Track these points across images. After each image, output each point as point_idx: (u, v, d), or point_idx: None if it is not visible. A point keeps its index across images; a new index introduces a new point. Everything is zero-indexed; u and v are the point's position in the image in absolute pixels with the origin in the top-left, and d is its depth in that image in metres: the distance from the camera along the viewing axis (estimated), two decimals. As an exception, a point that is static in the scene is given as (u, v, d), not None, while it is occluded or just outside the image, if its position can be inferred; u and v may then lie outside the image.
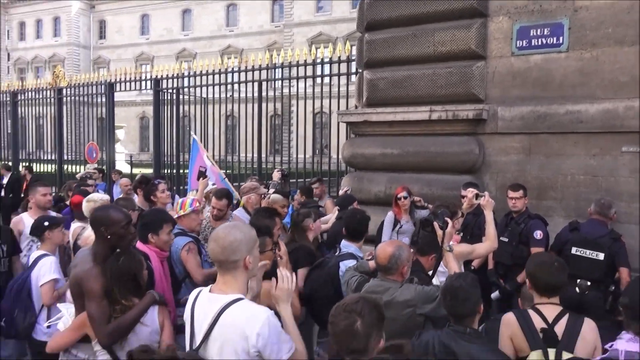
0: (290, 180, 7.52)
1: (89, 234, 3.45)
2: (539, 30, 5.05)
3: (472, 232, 4.53)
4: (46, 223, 3.80)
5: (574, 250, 4.03)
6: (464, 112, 5.20)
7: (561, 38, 4.94)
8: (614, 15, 4.69)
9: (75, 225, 4.32)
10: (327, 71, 7.88)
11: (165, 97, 9.77)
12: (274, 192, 4.87)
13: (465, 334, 2.31)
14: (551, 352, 2.41)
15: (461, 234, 4.25)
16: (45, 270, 3.60)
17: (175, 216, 3.79)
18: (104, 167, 10.62)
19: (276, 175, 6.39)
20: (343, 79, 7.54)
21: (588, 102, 4.75)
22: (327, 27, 38.62)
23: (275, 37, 41.77)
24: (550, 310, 2.53)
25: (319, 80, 8.04)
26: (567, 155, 4.87)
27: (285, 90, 9.26)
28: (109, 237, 2.65)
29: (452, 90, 5.32)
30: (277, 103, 8.70)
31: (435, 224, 3.05)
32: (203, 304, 2.10)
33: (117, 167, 11.04)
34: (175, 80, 9.61)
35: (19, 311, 3.54)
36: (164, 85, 9.72)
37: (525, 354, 2.46)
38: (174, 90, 9.67)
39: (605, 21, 4.72)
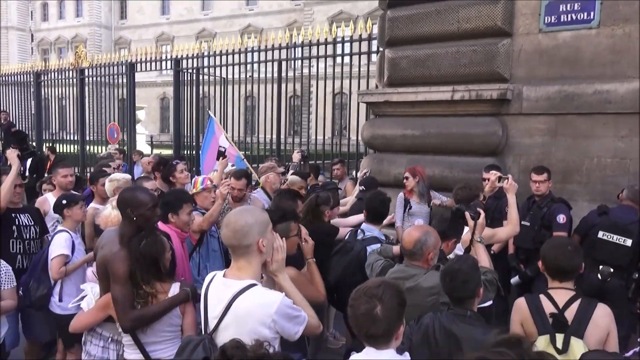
0: (310, 162, 7.47)
1: (108, 214, 3.47)
2: (568, 5, 4.85)
3: (493, 216, 4.42)
4: (64, 201, 3.85)
5: (600, 234, 3.91)
6: (487, 92, 5.05)
7: (592, 13, 4.74)
8: (649, -11, 4.46)
9: (90, 206, 4.39)
10: (347, 50, 7.74)
11: (185, 78, 9.77)
12: (292, 174, 4.83)
13: (466, 317, 2.27)
14: (559, 337, 2.35)
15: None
16: (56, 246, 3.67)
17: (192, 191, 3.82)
18: (125, 148, 10.71)
19: (296, 157, 6.36)
20: (364, 59, 7.39)
21: (618, 82, 4.56)
22: (348, 4, 38.01)
23: (296, 15, 41.33)
24: (562, 295, 2.47)
25: (339, 60, 7.91)
26: (594, 137, 4.71)
27: (305, 71, 9.16)
28: (135, 218, 2.66)
29: (476, 69, 5.17)
30: (296, 84, 8.60)
31: (467, 214, 2.96)
32: (217, 288, 2.09)
33: (137, 148, 11.14)
34: (195, 60, 9.59)
35: (34, 281, 3.68)
36: (184, 65, 9.71)
37: (535, 340, 2.40)
38: (194, 71, 9.65)
39: (640, -5, 4.50)
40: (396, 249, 3.02)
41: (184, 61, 9.67)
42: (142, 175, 6.58)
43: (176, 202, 3.33)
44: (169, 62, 10.05)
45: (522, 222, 4.29)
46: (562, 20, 4.86)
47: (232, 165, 5.67)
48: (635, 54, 4.52)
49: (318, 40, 7.81)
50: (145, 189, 3.04)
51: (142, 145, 15.32)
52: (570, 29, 4.83)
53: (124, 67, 10.70)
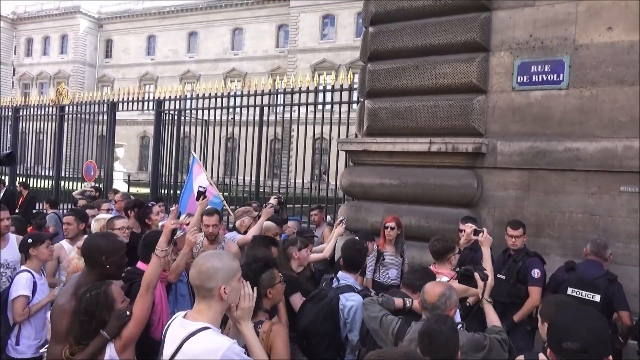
0: (288, 206, 7.47)
1: (72, 257, 3.39)
2: (539, 67, 5.09)
3: (469, 267, 4.46)
4: (30, 240, 3.76)
5: (569, 291, 3.95)
6: (463, 145, 5.20)
7: (561, 75, 4.98)
8: (614, 55, 4.73)
9: (59, 242, 4.30)
10: (328, 99, 7.92)
11: (167, 118, 9.82)
12: (267, 220, 4.81)
13: None
14: None
15: (457, 269, 4.18)
16: (17, 286, 3.56)
17: None
18: (101, 186, 10.57)
19: (272, 202, 6.33)
20: (344, 107, 7.58)
21: (587, 141, 4.75)
22: (331, 54, 39.15)
23: (279, 62, 42.30)
24: None
25: (320, 106, 8.09)
26: (565, 193, 4.85)
27: (287, 115, 9.31)
28: (108, 266, 2.60)
29: (453, 122, 5.34)
30: (277, 127, 8.71)
31: (477, 275, 2.97)
32: (175, 328, 2.10)
33: (114, 186, 11.00)
34: (177, 102, 9.67)
35: None
36: (166, 107, 9.78)
37: None
38: (176, 112, 9.72)
39: (606, 60, 4.77)
40: (398, 301, 2.97)
41: (166, 102, 9.74)
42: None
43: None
44: (151, 103, 10.11)
45: (498, 276, 4.33)
46: (533, 80, 5.10)
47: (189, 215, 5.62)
48: (603, 115, 4.74)
49: (300, 88, 7.99)
50: (115, 235, 2.99)
51: (119, 183, 15.13)
52: (541, 88, 5.06)
53: (105, 105, 10.71)
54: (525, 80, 5.15)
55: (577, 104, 4.88)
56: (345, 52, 37.57)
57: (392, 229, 5.03)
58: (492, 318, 2.82)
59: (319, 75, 8.44)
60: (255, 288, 2.24)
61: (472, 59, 5.29)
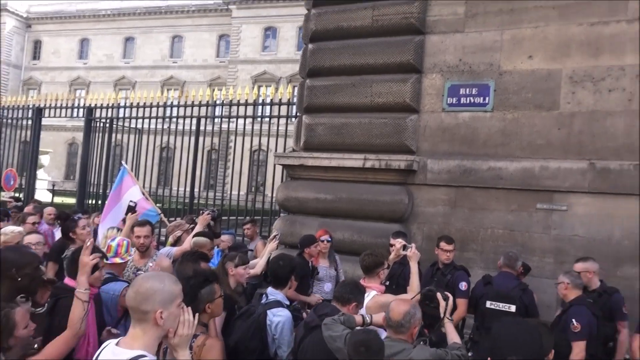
0: (223, 218, 7.35)
1: None
2: (467, 90, 5.38)
3: (398, 282, 4.58)
4: None
5: (488, 304, 4.15)
6: (396, 162, 5.37)
7: (487, 98, 5.29)
8: (534, 82, 5.09)
9: None
10: (267, 112, 7.94)
11: (98, 125, 9.42)
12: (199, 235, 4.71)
13: None
14: None
15: (387, 283, 4.29)
16: None
17: (118, 260, 3.60)
18: (21, 196, 9.93)
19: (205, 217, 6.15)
20: (283, 120, 7.62)
21: (508, 161, 5.06)
22: (272, 66, 39.21)
23: (220, 72, 41.80)
24: None
25: (259, 118, 8.09)
26: (488, 210, 5.13)
27: (225, 126, 9.22)
28: (19, 279, 2.46)
29: (386, 140, 5.51)
30: (215, 138, 8.60)
31: (439, 295, 3.05)
32: (107, 356, 1.96)
33: (37, 196, 10.36)
34: (110, 110, 9.31)
35: None
36: (98, 114, 9.38)
37: None
38: (107, 120, 9.34)
39: (526, 86, 5.12)
40: (358, 318, 2.97)
41: (98, 110, 9.35)
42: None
43: None
44: (81, 110, 9.67)
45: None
46: (462, 102, 5.38)
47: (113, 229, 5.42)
48: (522, 137, 5.07)
49: (238, 100, 7.95)
50: (26, 247, 2.84)
51: (42, 193, 14.26)
52: (468, 110, 5.35)
53: (30, 111, 10.11)
54: (454, 102, 5.42)
55: (500, 126, 5.19)
56: (287, 64, 37.75)
57: (328, 241, 5.09)
58: (453, 335, 2.93)
59: (258, 87, 8.45)
60: (197, 315, 2.13)
61: (406, 79, 5.51)
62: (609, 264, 4.57)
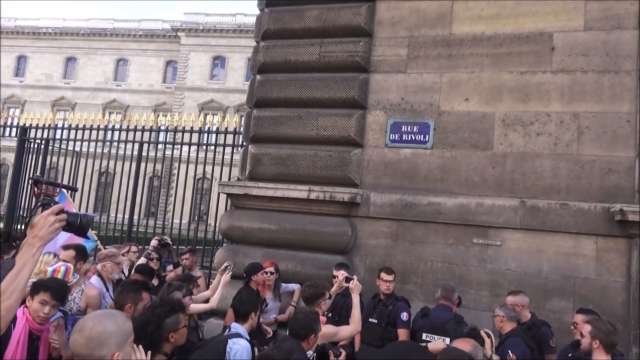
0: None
1: None
2: (409, 127, 5.61)
3: (340, 313, 4.61)
4: None
5: (424, 336, 4.23)
6: (340, 194, 5.46)
7: (427, 136, 5.53)
8: (470, 123, 5.40)
9: None
10: (213, 140, 7.88)
11: (32, 147, 8.97)
12: (138, 265, 4.56)
13: None
14: None
15: (329, 314, 4.31)
16: None
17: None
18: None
19: (153, 243, 5.94)
20: (228, 149, 7.58)
21: (447, 196, 5.29)
22: (220, 95, 39.11)
23: (165, 97, 41.17)
24: None
25: (204, 146, 8.00)
26: (428, 243, 5.30)
27: (168, 152, 9.05)
28: None
29: (331, 172, 5.61)
30: (157, 164, 8.41)
31: (483, 333, 3.14)
32: None
33: (-42, 219, 9.64)
34: (46, 130, 8.91)
35: None
36: (32, 135, 8.95)
37: None
38: (43, 141, 8.93)
39: (463, 126, 5.41)
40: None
41: (33, 130, 8.93)
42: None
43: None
44: (13, 130, 9.20)
45: (370, 320, 4.55)
46: (404, 138, 5.60)
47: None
48: (460, 174, 5.33)
49: (184, 127, 7.86)
50: None
51: (-36, 215, 13.27)
52: (410, 147, 5.57)
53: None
54: (396, 138, 5.63)
55: (439, 162, 5.43)
56: (235, 94, 37.82)
57: (271, 273, 5.06)
58: None
59: (205, 115, 8.39)
60: (149, 353, 2.05)
61: (351, 114, 5.68)
62: (539, 297, 4.82)
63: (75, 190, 2.54)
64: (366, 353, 4.32)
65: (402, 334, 4.51)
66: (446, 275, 5.18)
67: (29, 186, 8.79)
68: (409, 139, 5.59)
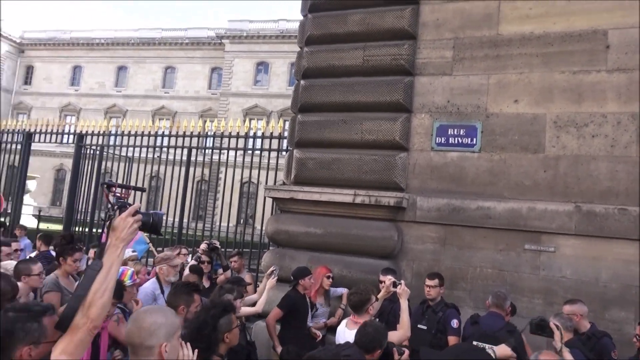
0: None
1: None
2: (455, 130, 5.51)
3: (388, 318, 4.57)
4: None
5: (474, 344, 4.13)
6: (385, 198, 5.43)
7: (474, 139, 5.41)
8: (519, 125, 5.24)
9: None
10: (258, 144, 8.02)
11: (88, 152, 9.41)
12: (191, 266, 4.70)
13: None
14: None
15: (377, 319, 4.28)
16: None
17: None
18: (6, 221, 9.77)
19: (202, 247, 6.10)
20: (273, 153, 7.69)
21: (496, 200, 5.15)
22: (263, 100, 39.69)
23: (211, 103, 42.17)
24: None
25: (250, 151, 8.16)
26: (477, 248, 5.18)
27: (215, 157, 9.27)
28: None
29: (376, 176, 5.58)
30: (205, 169, 8.63)
31: (552, 324, 3.15)
32: None
33: (22, 222, 10.21)
34: (100, 137, 9.33)
35: None
36: (89, 141, 9.39)
37: None
38: (98, 147, 9.35)
39: (512, 129, 5.27)
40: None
41: (89, 137, 9.36)
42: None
43: None
44: (71, 137, 9.67)
45: (419, 326, 4.50)
46: (450, 142, 5.51)
47: (133, 251, 5.40)
48: (510, 178, 5.18)
49: (230, 133, 8.03)
50: (6, 276, 2.81)
51: (27, 218, 14.05)
52: (456, 150, 5.47)
53: (20, 135, 10.09)
54: (443, 142, 5.54)
55: (488, 166, 5.30)
56: (278, 99, 38.28)
57: (332, 278, 5.12)
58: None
59: (249, 120, 8.56)
60: (196, 351, 2.17)
61: (396, 118, 5.63)
62: (596, 307, 4.61)
63: (144, 190, 2.66)
64: (428, 353, 4.26)
65: (453, 340, 4.43)
66: (497, 281, 5.05)
67: (86, 190, 9.22)
68: (456, 142, 5.49)
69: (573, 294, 4.61)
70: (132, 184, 8.87)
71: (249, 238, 8.34)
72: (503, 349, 3.01)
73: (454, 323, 4.48)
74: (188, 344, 2.12)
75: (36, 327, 1.98)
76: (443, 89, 5.60)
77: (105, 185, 2.17)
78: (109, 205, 2.07)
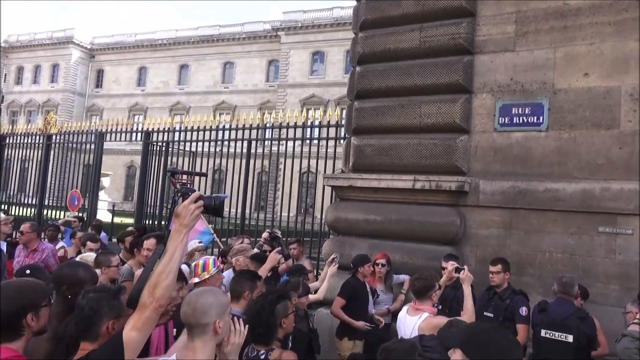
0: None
1: None
2: (520, 109, 5.25)
3: (451, 305, 4.46)
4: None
5: (543, 333, 3.92)
6: (446, 183, 5.28)
7: (541, 118, 5.14)
8: (591, 99, 4.91)
9: None
10: (316, 134, 8.04)
11: (155, 149, 9.85)
12: (253, 254, 4.79)
13: None
14: None
15: (439, 306, 4.19)
16: None
17: (196, 280, 3.75)
18: (84, 215, 10.45)
19: (264, 236, 6.21)
20: (331, 142, 7.69)
21: (566, 181, 4.87)
22: (320, 89, 39.78)
23: (269, 96, 42.83)
24: None
25: (308, 140, 8.22)
26: (545, 232, 4.93)
27: (274, 148, 9.40)
28: (69, 297, 2.52)
29: (436, 161, 5.44)
30: (265, 160, 8.78)
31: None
32: None
33: (98, 216, 10.89)
34: (165, 133, 9.73)
35: None
36: (154, 138, 9.82)
37: None
38: (164, 143, 9.76)
39: (583, 104, 4.94)
40: None
41: (155, 134, 9.79)
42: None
43: None
44: (139, 134, 10.16)
45: (485, 313, 4.35)
46: (514, 122, 5.25)
47: (200, 242, 5.59)
48: (581, 157, 4.88)
49: (288, 123, 8.10)
50: (87, 266, 2.95)
51: (103, 213, 14.97)
52: (521, 130, 5.21)
53: (93, 135, 10.73)
54: (506, 122, 5.30)
55: (556, 145, 5.02)
56: (334, 88, 38.20)
57: (382, 265, 5.07)
58: None
59: (307, 110, 8.61)
60: (247, 326, 2.28)
61: (455, 100, 5.45)
62: (680, 291, 4.26)
63: (205, 175, 2.82)
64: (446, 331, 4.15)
65: (522, 329, 4.25)
66: (568, 267, 4.79)
67: (154, 184, 9.67)
68: (521, 121, 5.23)
69: (655, 279, 4.29)
70: (196, 178, 9.19)
71: (309, 227, 8.41)
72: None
73: (523, 310, 4.29)
74: (241, 319, 2.24)
75: (117, 303, 2.22)
76: (505, 66, 5.35)
77: (169, 173, 2.27)
78: (175, 191, 2.18)
